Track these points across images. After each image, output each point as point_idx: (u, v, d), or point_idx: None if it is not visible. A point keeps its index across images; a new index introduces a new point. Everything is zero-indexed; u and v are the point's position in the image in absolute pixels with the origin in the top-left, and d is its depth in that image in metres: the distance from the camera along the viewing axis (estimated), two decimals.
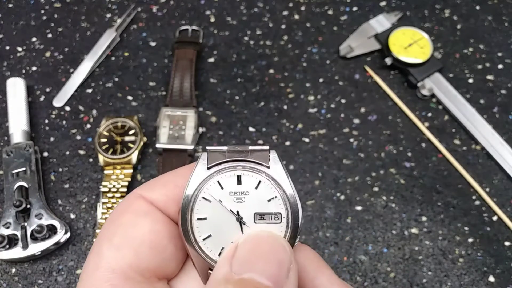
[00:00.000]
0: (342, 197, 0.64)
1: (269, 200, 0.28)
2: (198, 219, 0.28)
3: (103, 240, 0.28)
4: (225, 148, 0.29)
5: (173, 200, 0.29)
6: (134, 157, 0.65)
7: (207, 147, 0.29)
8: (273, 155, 0.29)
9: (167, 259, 0.28)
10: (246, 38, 0.78)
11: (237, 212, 0.28)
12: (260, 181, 0.28)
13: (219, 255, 0.28)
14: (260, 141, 0.68)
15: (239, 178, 0.28)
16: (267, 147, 0.29)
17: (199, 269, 0.28)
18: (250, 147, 0.29)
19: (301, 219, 0.28)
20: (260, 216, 0.28)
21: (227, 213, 0.28)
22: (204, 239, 0.28)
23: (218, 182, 0.28)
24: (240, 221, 0.28)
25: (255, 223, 0.28)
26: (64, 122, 0.69)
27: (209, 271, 0.28)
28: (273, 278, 0.25)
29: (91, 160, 0.67)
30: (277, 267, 0.26)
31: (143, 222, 0.28)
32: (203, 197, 0.28)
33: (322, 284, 0.28)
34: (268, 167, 0.28)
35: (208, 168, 0.28)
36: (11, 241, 0.58)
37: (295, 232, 0.28)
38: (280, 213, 0.28)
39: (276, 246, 0.27)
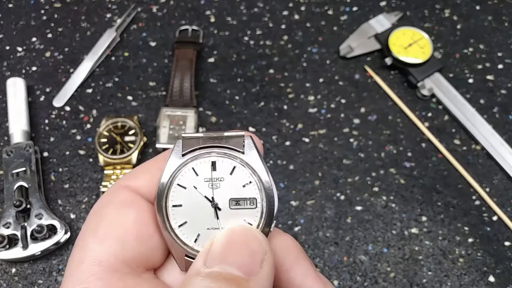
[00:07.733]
0: (342, 197, 0.64)
1: (244, 186, 0.28)
2: (173, 206, 0.28)
3: (87, 233, 0.27)
4: (200, 134, 0.29)
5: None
6: (134, 157, 0.65)
7: (182, 134, 0.29)
8: (248, 140, 0.28)
9: (153, 248, 0.28)
10: (246, 38, 0.78)
11: (212, 198, 0.28)
12: (234, 167, 0.28)
13: (195, 241, 0.28)
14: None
15: (213, 164, 0.28)
16: (242, 133, 0.28)
17: (176, 256, 0.28)
18: (225, 133, 0.28)
19: (276, 204, 0.28)
20: (236, 201, 0.28)
21: (202, 200, 0.28)
22: (179, 226, 0.28)
23: (193, 168, 0.28)
24: (215, 207, 0.28)
25: (231, 208, 0.28)
26: (64, 122, 0.69)
27: (186, 257, 0.28)
28: (244, 268, 0.25)
29: (91, 160, 0.67)
30: (249, 258, 0.25)
31: (128, 212, 0.28)
32: (178, 184, 0.28)
33: (297, 276, 0.28)
34: (243, 153, 0.28)
35: (183, 155, 0.28)
36: (11, 241, 0.57)
37: (270, 217, 0.28)
38: (255, 198, 0.28)
39: (249, 237, 0.26)
